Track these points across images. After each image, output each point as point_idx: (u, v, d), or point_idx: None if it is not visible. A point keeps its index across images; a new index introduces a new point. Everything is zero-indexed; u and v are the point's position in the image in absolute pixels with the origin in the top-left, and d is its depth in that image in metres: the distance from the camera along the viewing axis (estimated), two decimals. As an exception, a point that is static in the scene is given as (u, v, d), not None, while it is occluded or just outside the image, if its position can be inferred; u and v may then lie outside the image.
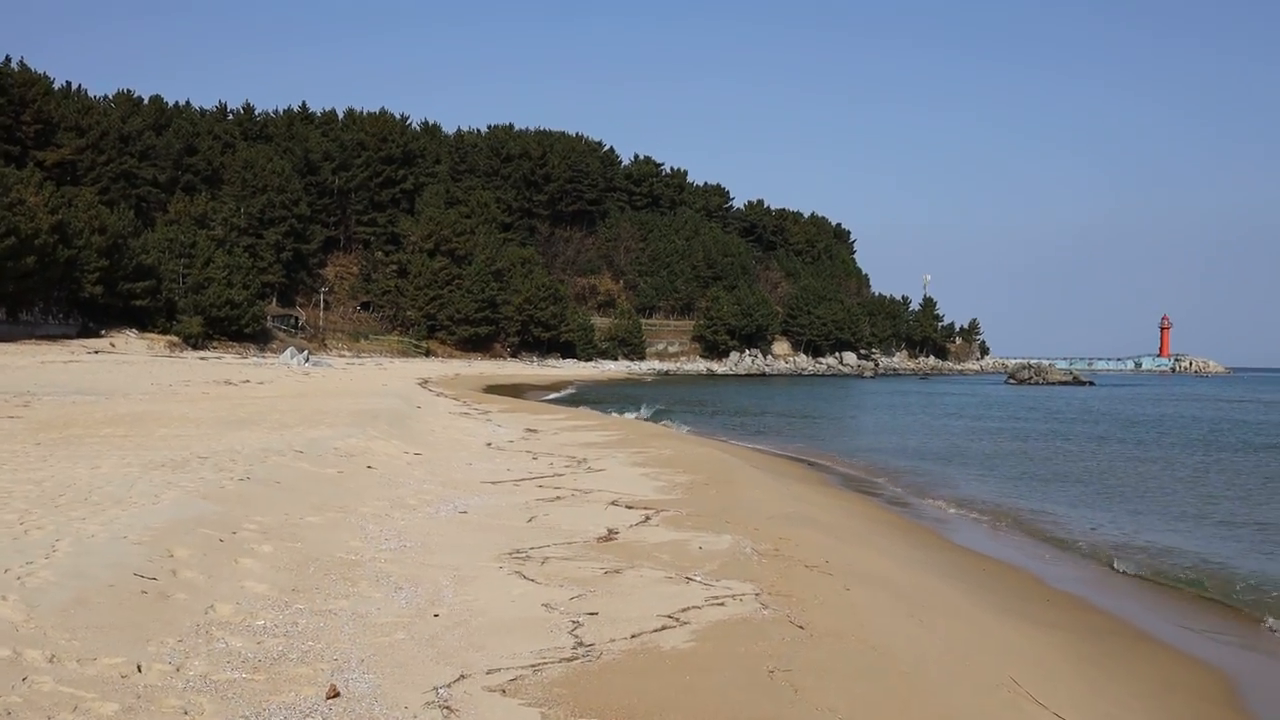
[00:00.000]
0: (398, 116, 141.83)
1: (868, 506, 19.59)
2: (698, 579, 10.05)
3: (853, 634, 8.34)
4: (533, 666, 7.16)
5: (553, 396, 63.35)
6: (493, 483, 17.84)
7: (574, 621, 8.36)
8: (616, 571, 10.36)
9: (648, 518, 14.14)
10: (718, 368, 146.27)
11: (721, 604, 9.00)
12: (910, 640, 8.56)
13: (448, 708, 6.26)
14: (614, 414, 43.78)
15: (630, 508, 15.13)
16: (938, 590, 11.70)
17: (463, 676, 6.89)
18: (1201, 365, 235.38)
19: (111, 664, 6.35)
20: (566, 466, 20.91)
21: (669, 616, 8.55)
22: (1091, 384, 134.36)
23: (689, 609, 8.80)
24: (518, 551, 11.41)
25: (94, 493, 12.25)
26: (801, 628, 8.31)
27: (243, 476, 14.30)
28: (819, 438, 37.66)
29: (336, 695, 6.32)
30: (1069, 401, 75.77)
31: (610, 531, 12.90)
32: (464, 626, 8.20)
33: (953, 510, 19.73)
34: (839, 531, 14.81)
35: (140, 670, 6.36)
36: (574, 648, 7.64)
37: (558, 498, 16.25)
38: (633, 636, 7.95)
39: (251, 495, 13.02)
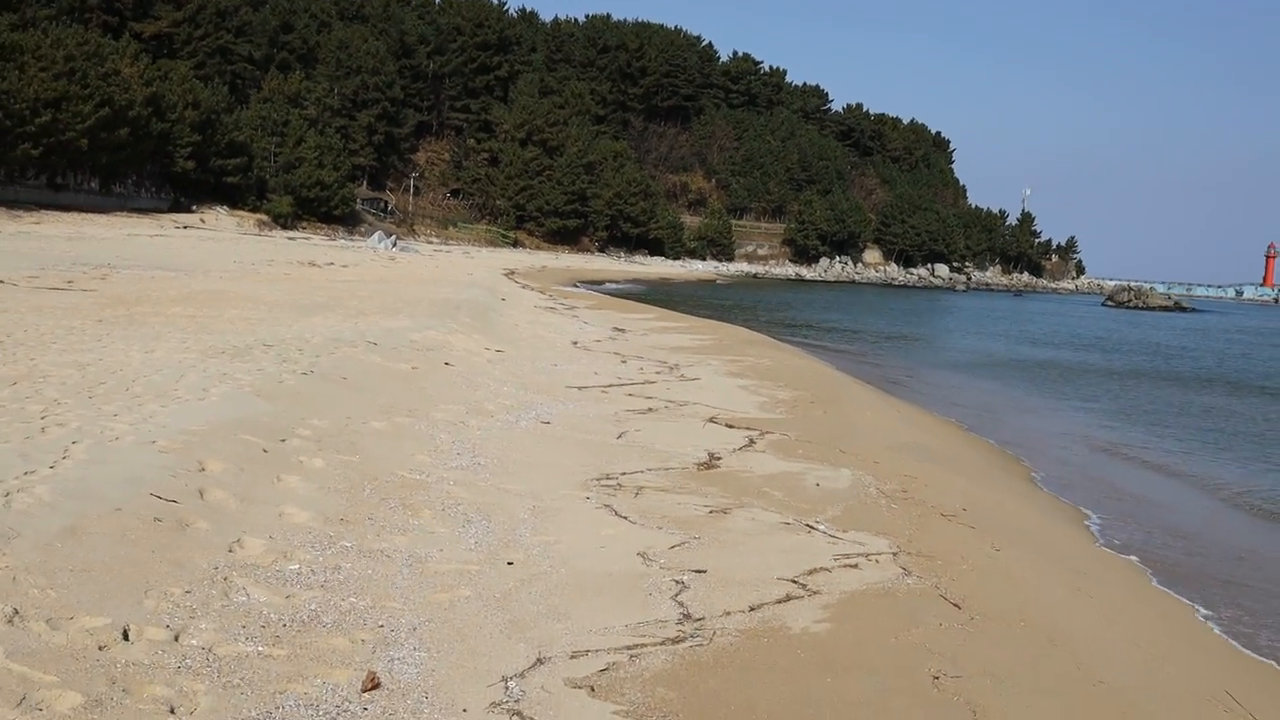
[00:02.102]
0: (494, 2, 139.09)
1: (976, 437, 17.84)
2: (821, 527, 8.48)
3: (1018, 617, 6.75)
4: (629, 650, 5.64)
5: (629, 288, 61.76)
6: (578, 388, 16.37)
7: (677, 582, 6.83)
8: (724, 511, 8.81)
9: (752, 440, 12.57)
10: (807, 273, 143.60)
11: (855, 566, 7.43)
12: (1088, 628, 6.96)
13: (518, 714, 4.76)
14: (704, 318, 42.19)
15: (731, 426, 13.57)
16: (1088, 549, 10.05)
17: (540, 661, 5.39)
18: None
19: (91, 627, 4.91)
20: (657, 372, 19.39)
21: (793, 581, 6.99)
22: (1194, 310, 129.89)
23: (816, 571, 7.24)
24: (607, 477, 9.91)
25: (137, 381, 10.95)
26: (958, 606, 6.72)
27: (306, 370, 12.94)
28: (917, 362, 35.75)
29: (375, 687, 4.83)
30: (1190, 331, 72.61)
31: (711, 456, 11.35)
32: (543, 580, 6.71)
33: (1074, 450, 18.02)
34: (964, 467, 13.15)
35: (127, 637, 4.91)
36: (679, 622, 6.12)
37: (650, 409, 14.74)
38: (751, 609, 6.41)
39: (312, 393, 11.64)
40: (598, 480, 9.72)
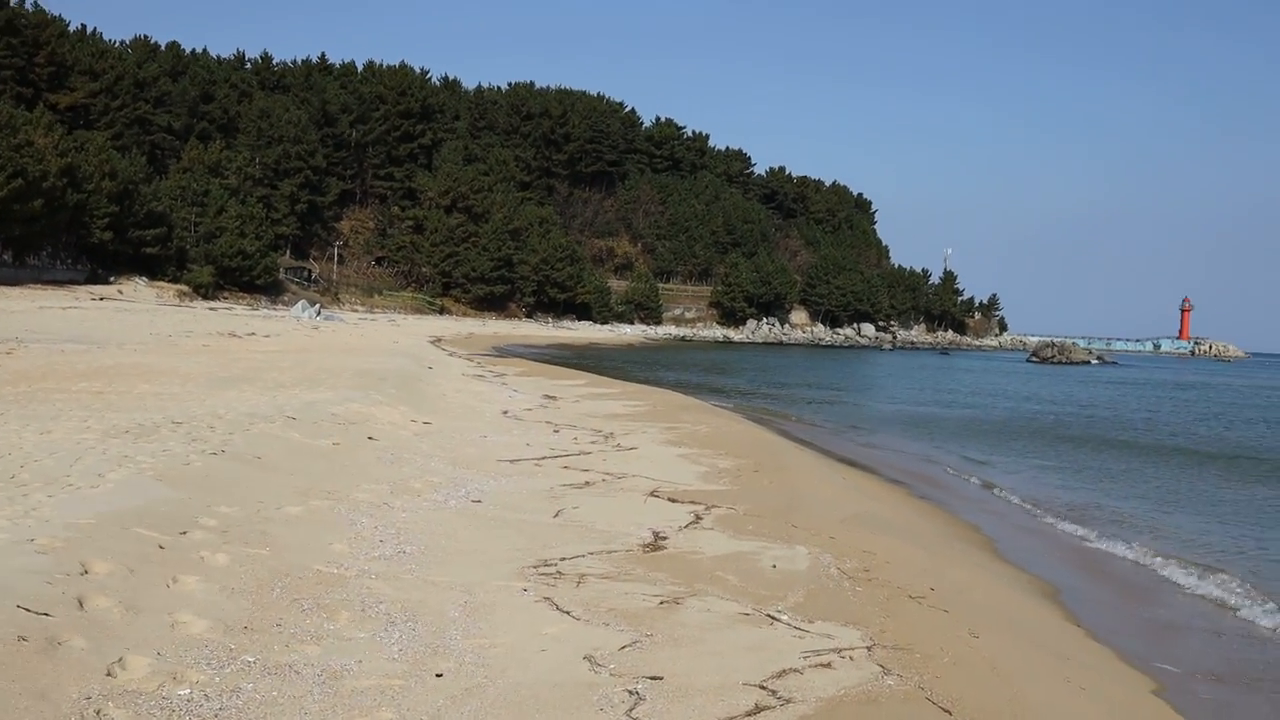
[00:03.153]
0: (417, 71, 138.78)
1: (926, 503, 17.18)
2: (784, 618, 7.68)
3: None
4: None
5: (556, 355, 60.84)
6: (510, 461, 15.51)
7: (631, 692, 5.98)
8: (675, 602, 7.97)
9: (698, 516, 11.77)
10: (735, 335, 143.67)
11: (828, 665, 6.62)
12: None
13: None
14: (637, 384, 41.44)
15: (674, 501, 12.76)
16: (1066, 629, 9.35)
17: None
18: (1221, 349, 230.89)
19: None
20: (593, 442, 18.58)
21: (762, 687, 6.17)
22: (1115, 364, 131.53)
23: (786, 673, 6.43)
24: (545, 563, 9.06)
25: (26, 467, 9.96)
26: (948, 712, 5.95)
27: (217, 449, 11.99)
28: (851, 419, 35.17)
29: None
30: (1113, 384, 73.08)
31: (657, 536, 10.52)
32: (477, 697, 5.83)
33: (1015, 501, 17.41)
34: (922, 539, 12.44)
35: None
36: (637, 748, 5.29)
37: (587, 483, 13.91)
38: (718, 726, 5.59)
39: (221, 475, 10.69)
40: (535, 567, 8.87)
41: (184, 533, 8.17)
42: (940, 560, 10.96)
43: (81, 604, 6.15)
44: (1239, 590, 11.42)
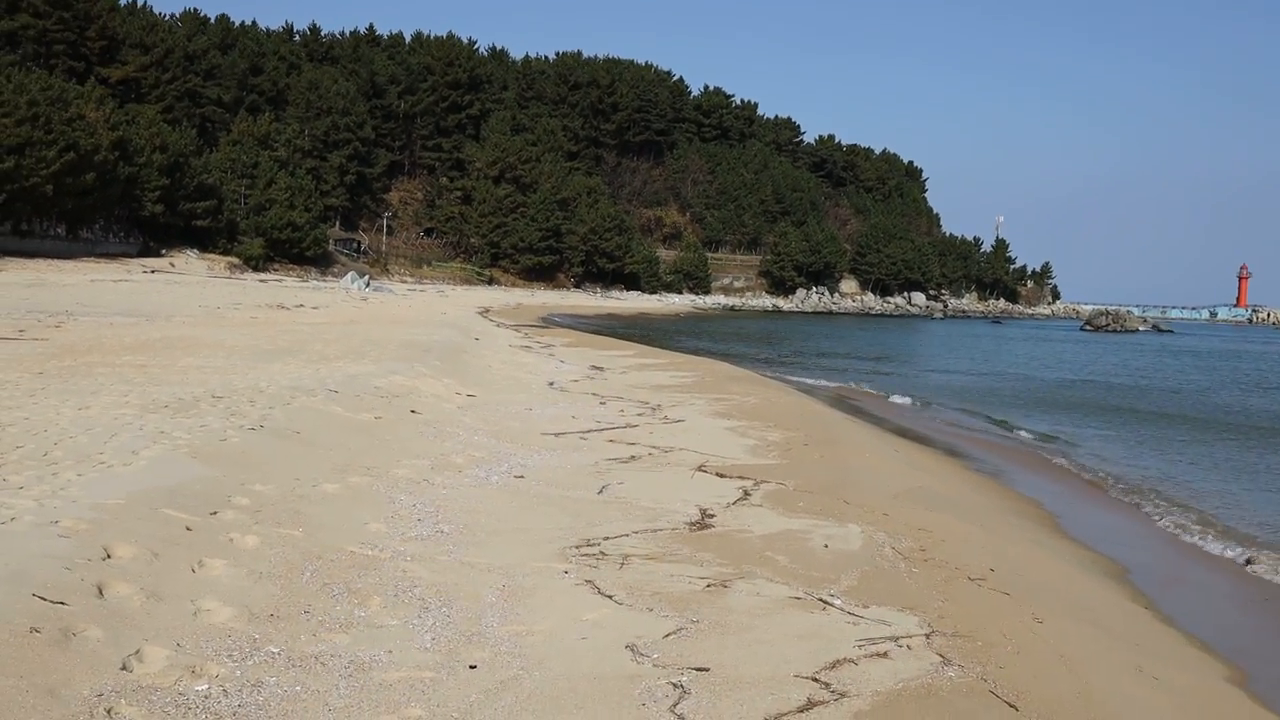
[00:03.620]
0: (465, 41, 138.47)
1: (982, 477, 16.72)
2: (837, 602, 7.32)
3: (1086, 717, 5.61)
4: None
5: (605, 325, 60.49)
6: (555, 434, 15.20)
7: (675, 685, 5.64)
8: (723, 585, 7.63)
9: (746, 492, 11.41)
10: (784, 304, 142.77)
11: (884, 655, 6.25)
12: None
13: None
14: (685, 354, 41.08)
15: (722, 475, 12.41)
16: (1139, 615, 8.92)
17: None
18: (1279, 316, 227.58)
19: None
20: (639, 414, 18.24)
21: (814, 679, 5.82)
22: (1171, 332, 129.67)
23: (840, 663, 6.07)
24: (588, 542, 8.74)
25: (60, 444, 9.75)
26: (1014, 708, 5.57)
27: (256, 424, 11.76)
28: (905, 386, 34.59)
29: None
30: (1173, 353, 71.83)
31: (704, 513, 10.18)
32: (513, 690, 5.52)
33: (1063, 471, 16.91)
34: (979, 515, 12.01)
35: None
36: (682, 748, 4.96)
37: (632, 457, 13.59)
38: (768, 722, 5.25)
39: (258, 451, 10.46)
40: (577, 548, 8.55)
41: (214, 513, 7.92)
42: (999, 538, 10.55)
43: (101, 591, 5.89)
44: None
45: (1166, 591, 9.96)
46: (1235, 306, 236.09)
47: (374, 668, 5.66)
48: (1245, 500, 15.62)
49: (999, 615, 7.33)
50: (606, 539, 8.89)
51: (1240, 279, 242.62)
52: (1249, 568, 11.17)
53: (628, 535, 9.08)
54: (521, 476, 11.68)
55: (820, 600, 7.35)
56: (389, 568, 7.45)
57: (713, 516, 10.04)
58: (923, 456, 17.32)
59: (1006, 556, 9.56)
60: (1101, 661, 6.83)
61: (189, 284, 61.39)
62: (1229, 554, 11.85)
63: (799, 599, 7.37)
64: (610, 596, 7.20)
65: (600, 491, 11.10)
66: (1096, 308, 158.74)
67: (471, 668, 5.78)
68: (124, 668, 5.14)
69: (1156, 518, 13.89)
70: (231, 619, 5.99)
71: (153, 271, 72.47)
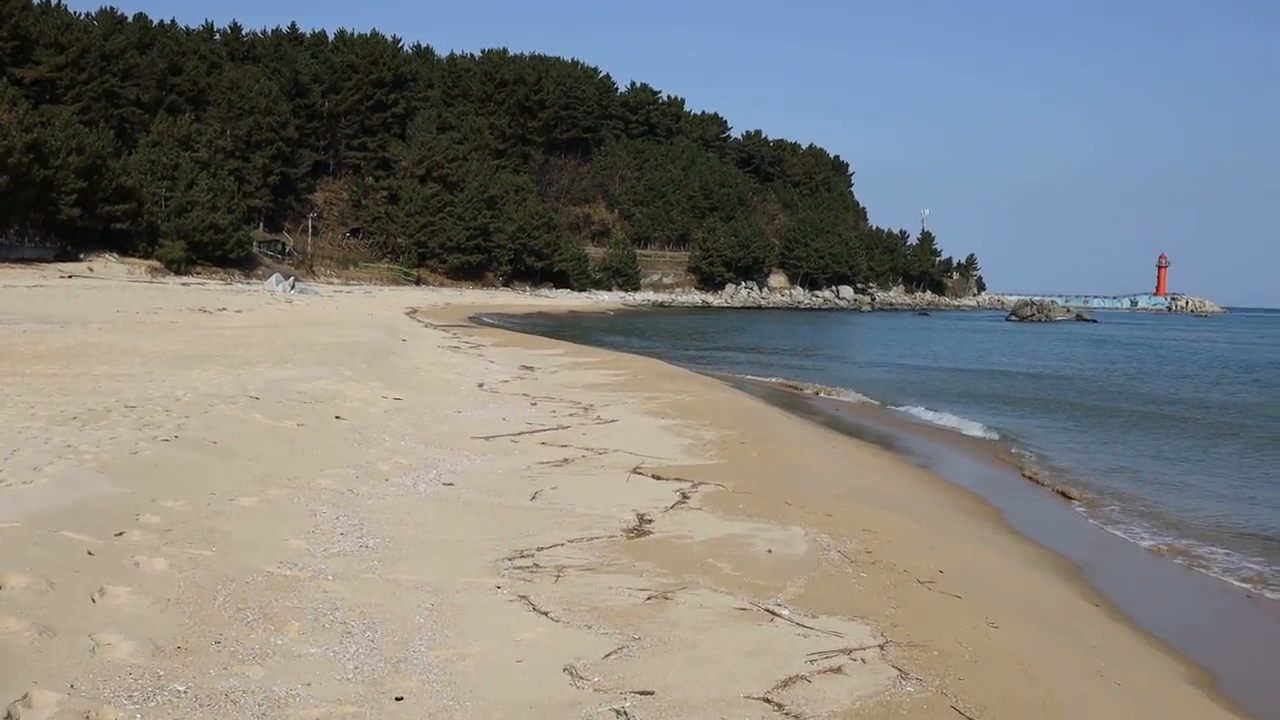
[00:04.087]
0: (389, 39, 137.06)
1: (925, 473, 16.51)
2: (784, 612, 6.96)
3: (1054, 730, 5.31)
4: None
5: (535, 324, 59.89)
6: (485, 438, 14.76)
7: (618, 713, 5.24)
8: (664, 597, 7.24)
9: (684, 495, 11.04)
10: (713, 300, 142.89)
11: (838, 670, 5.90)
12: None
13: None
14: (616, 350, 40.71)
15: (659, 478, 12.03)
16: (1092, 614, 8.65)
17: None
18: (1198, 305, 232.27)
19: None
20: (571, 415, 17.84)
21: (766, 700, 5.44)
22: (1094, 321, 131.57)
23: (792, 681, 5.71)
24: (521, 554, 8.32)
25: (-44, 462, 9.15)
26: (978, 723, 5.25)
27: (169, 435, 11.20)
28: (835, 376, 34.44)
29: None
30: (1098, 342, 72.60)
31: (641, 519, 9.79)
32: (442, 722, 5.10)
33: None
34: (925, 514, 11.73)
35: None
36: (627, 783, 4.56)
37: (565, 460, 13.18)
38: (719, 751, 4.87)
39: (171, 465, 9.92)
40: (510, 560, 8.12)
41: (120, 534, 7.39)
42: (946, 537, 10.26)
43: (-15, 628, 5.38)
44: (1270, 566, 10.76)
45: (1118, 588, 9.72)
46: (1155, 295, 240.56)
47: (290, 703, 5.20)
48: (1192, 491, 15.50)
49: (953, 621, 7.03)
50: (540, 549, 8.48)
51: (1159, 268, 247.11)
52: (1197, 564, 10.98)
53: (563, 545, 8.67)
54: (451, 484, 11.23)
55: (767, 610, 6.99)
56: (309, 589, 6.98)
57: (650, 522, 9.66)
58: (862, 452, 17.07)
59: (954, 556, 9.27)
60: (1061, 667, 6.55)
61: (107, 289, 59.96)
62: (1177, 546, 11.67)
63: (745, 610, 7.00)
64: (546, 613, 6.79)
65: (533, 498, 10.68)
66: (1021, 298, 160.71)
67: (398, 699, 5.34)
68: (8, 717, 4.65)
69: (1102, 511, 13.72)
70: (133, 654, 5.49)
71: (70, 276, 70.76)
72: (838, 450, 16.36)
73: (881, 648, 6.32)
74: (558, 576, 7.67)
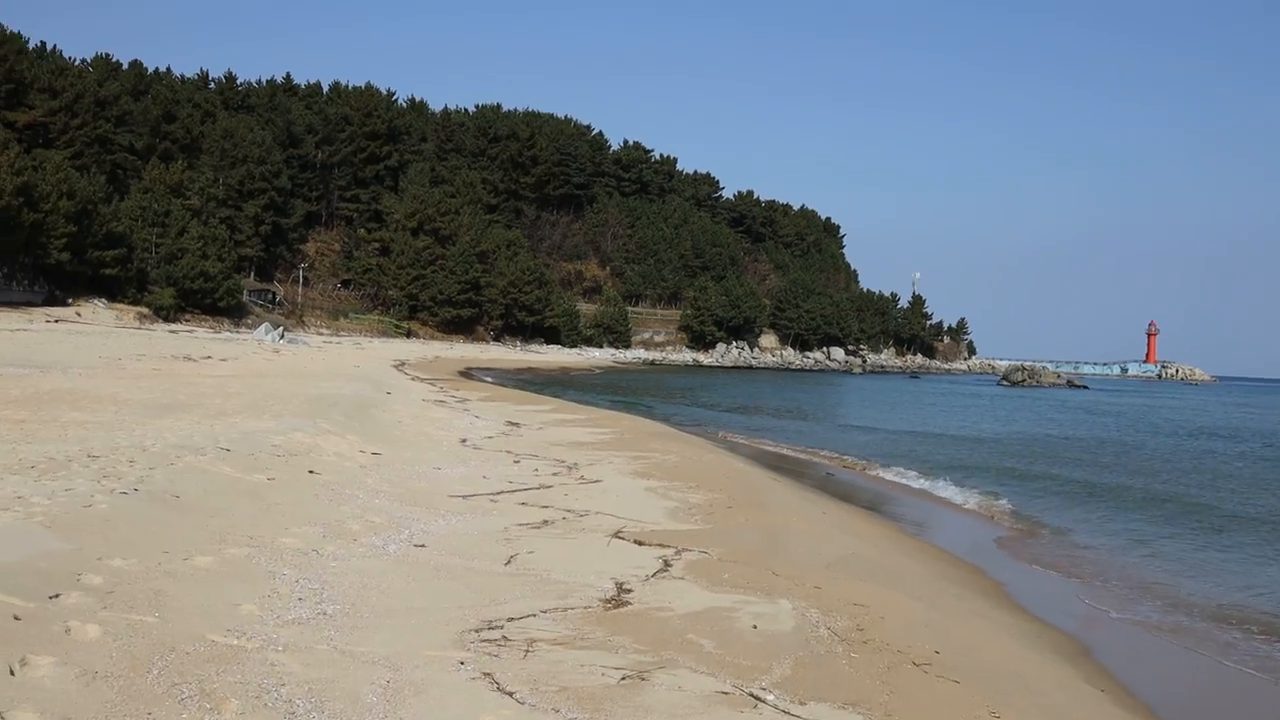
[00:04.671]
0: (384, 92, 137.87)
1: (920, 541, 15.98)
2: (769, 698, 6.43)
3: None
4: None
5: (524, 379, 59.36)
6: (463, 496, 14.23)
7: (583, 817, 4.72)
8: (640, 677, 6.70)
9: (667, 562, 10.51)
10: (704, 359, 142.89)
11: (828, 770, 5.38)
12: None
13: None
14: (604, 409, 40.22)
15: (641, 543, 11.50)
16: (1100, 703, 8.10)
17: None
18: (1188, 373, 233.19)
19: None
20: (554, 474, 17.33)
21: (748, 804, 4.93)
22: (1085, 388, 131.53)
23: (776, 781, 5.19)
24: (490, 624, 7.78)
25: (-106, 513, 8.61)
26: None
27: (129, 487, 10.66)
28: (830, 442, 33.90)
29: None
30: (1099, 413, 72.22)
31: (620, 588, 9.26)
32: (385, 826, 4.56)
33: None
34: (919, 587, 11.20)
35: None
36: None
37: (545, 521, 12.65)
38: None
39: (126, 519, 9.38)
40: (477, 631, 7.58)
41: (55, 596, 6.84)
42: (942, 613, 9.73)
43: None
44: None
45: (1129, 672, 9.16)
46: (1145, 362, 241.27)
47: (215, 802, 4.66)
48: (1208, 569, 14.75)
49: (951, 710, 6.51)
50: (511, 620, 7.94)
51: (1149, 335, 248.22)
52: (1206, 646, 10.44)
53: (535, 615, 8.13)
54: (423, 545, 10.69)
55: (751, 695, 6.45)
56: (255, 661, 6.42)
57: (630, 591, 9.12)
58: (853, 519, 16.54)
59: (952, 635, 8.75)
60: (1070, 766, 6.03)
61: (93, 334, 59.42)
62: (1189, 627, 11.11)
63: (726, 694, 6.46)
64: (511, 694, 6.24)
65: (508, 562, 10.15)
66: (1012, 363, 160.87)
67: (337, 798, 4.80)
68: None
69: (1110, 587, 13.09)
70: (45, 739, 4.94)
71: (56, 321, 70.30)
72: (828, 516, 15.84)
73: (875, 742, 5.80)
74: (527, 651, 7.13)
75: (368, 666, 6.59)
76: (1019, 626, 10.35)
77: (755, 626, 8.11)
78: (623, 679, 6.65)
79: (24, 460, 12.07)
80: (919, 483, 23.39)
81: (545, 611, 8.25)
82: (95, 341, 50.62)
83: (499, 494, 14.71)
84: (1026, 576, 13.55)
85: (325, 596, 8.23)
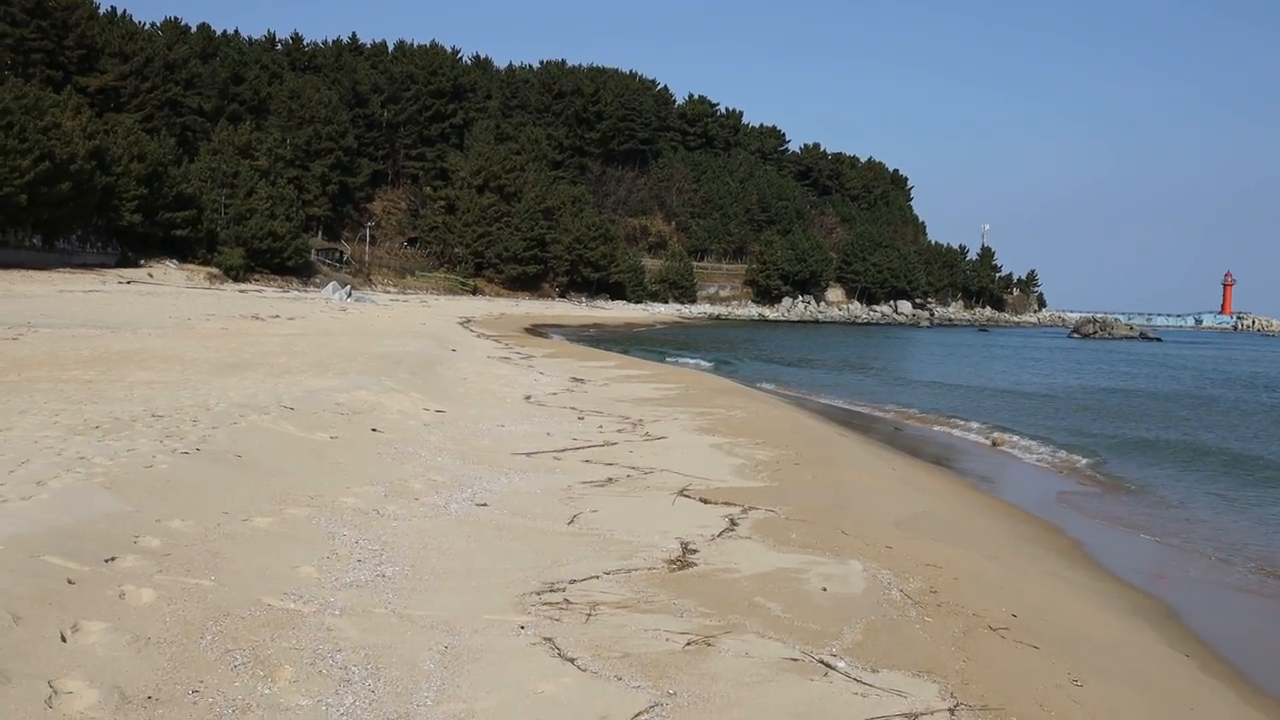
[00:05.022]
0: (448, 50, 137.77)
1: (992, 498, 15.62)
2: (840, 665, 6.20)
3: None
4: None
5: (589, 335, 59.22)
6: (527, 454, 14.07)
7: (645, 790, 4.53)
8: (706, 643, 6.49)
9: (733, 521, 10.28)
10: (770, 313, 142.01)
11: (904, 742, 5.15)
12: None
13: None
14: (670, 363, 40.00)
15: (706, 502, 11.28)
16: (1189, 671, 7.78)
17: None
18: (1265, 323, 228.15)
19: None
20: (619, 430, 17.14)
21: (819, 779, 4.71)
22: (1159, 340, 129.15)
23: (848, 753, 4.96)
24: (551, 587, 7.60)
25: (-42, 474, 8.58)
26: (1071, 815, 4.47)
27: (190, 447, 10.62)
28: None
29: None
30: (1172, 358, 70.81)
31: (685, 548, 9.05)
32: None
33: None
34: (992, 546, 10.88)
35: None
36: None
37: (609, 480, 12.47)
38: None
39: (186, 480, 9.32)
40: (539, 594, 7.40)
41: (111, 559, 6.75)
42: (1018, 574, 9.43)
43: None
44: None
45: (1221, 637, 8.81)
46: (1220, 313, 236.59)
47: (263, 777, 4.51)
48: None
49: (1031, 677, 6.23)
50: (573, 582, 7.76)
51: (1225, 285, 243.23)
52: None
53: (598, 577, 7.94)
54: (485, 504, 10.54)
55: (821, 662, 6.22)
56: (310, 626, 6.28)
57: (695, 552, 8.91)
58: (922, 475, 16.19)
59: (1028, 598, 8.45)
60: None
61: (163, 295, 60.10)
62: None
63: (795, 660, 6.24)
64: (572, 660, 6.05)
65: (571, 521, 9.97)
66: (1083, 315, 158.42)
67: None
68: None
69: (1194, 544, 12.67)
70: (94, 707, 4.79)
71: (129, 282, 71.11)
72: (897, 472, 15.51)
73: (951, 711, 5.55)
74: (589, 615, 6.94)
75: (426, 631, 6.43)
76: (1097, 587, 10.00)
77: (825, 589, 7.86)
78: (688, 644, 6.44)
79: (89, 420, 12.08)
80: (988, 437, 22.87)
81: (608, 573, 8.06)
82: (165, 302, 51.16)
83: (563, 451, 14.54)
84: (1102, 534, 13.15)
85: (385, 558, 8.09)
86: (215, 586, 6.69)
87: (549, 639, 6.41)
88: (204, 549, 7.48)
